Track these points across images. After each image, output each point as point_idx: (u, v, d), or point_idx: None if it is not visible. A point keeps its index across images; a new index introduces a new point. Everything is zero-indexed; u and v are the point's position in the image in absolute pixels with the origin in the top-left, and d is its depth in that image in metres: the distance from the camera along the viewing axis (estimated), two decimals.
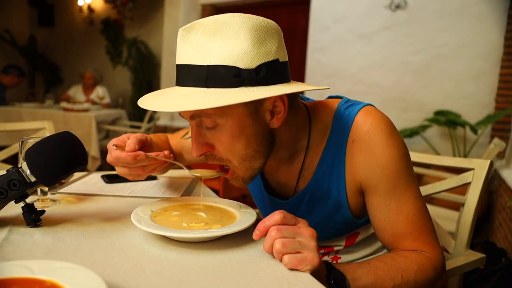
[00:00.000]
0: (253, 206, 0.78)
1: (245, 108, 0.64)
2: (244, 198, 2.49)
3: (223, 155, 0.69)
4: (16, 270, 0.46)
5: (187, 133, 1.00)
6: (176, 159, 0.97)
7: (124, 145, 0.74)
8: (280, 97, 0.66)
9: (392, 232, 0.72)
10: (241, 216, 0.72)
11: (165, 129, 4.49)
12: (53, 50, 6.39)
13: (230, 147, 0.67)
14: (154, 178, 1.09)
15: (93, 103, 4.35)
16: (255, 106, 0.65)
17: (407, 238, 0.72)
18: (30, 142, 0.75)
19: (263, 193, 0.88)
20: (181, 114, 0.68)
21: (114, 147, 0.73)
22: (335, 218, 0.80)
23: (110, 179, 1.03)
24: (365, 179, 0.72)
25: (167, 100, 0.64)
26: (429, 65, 3.05)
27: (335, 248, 0.87)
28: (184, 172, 1.21)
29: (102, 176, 1.06)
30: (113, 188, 0.96)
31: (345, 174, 0.74)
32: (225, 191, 1.84)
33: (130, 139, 0.74)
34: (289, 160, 0.79)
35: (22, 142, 0.79)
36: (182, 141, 1.00)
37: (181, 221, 0.69)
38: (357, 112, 0.73)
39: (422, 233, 0.72)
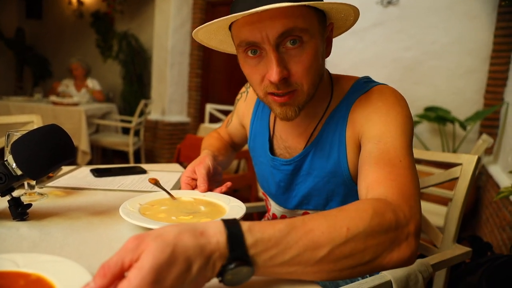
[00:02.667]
0: (243, 201, 0.78)
1: (319, 28, 0.69)
2: (234, 193, 2.50)
3: (297, 79, 0.69)
4: (0, 263, 0.45)
5: (228, 121, 1.12)
6: (233, 148, 1.13)
7: (194, 182, 0.85)
8: (331, 25, 0.74)
9: (368, 170, 0.64)
10: (231, 210, 0.71)
11: (156, 124, 4.45)
12: (42, 43, 6.29)
13: (308, 69, 0.69)
14: (143, 171, 1.08)
15: (88, 90, 4.30)
16: (323, 28, 0.71)
17: (380, 182, 0.61)
18: (16, 135, 0.74)
19: (268, 156, 0.90)
20: (263, 34, 0.65)
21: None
22: (334, 181, 0.81)
23: (99, 173, 1.02)
24: (361, 126, 0.74)
25: (263, 6, 0.60)
26: (420, 62, 3.07)
27: None
28: (174, 166, 1.21)
29: (91, 170, 1.05)
30: (102, 182, 0.96)
31: (346, 132, 0.77)
32: None
33: (200, 179, 0.82)
34: (307, 120, 0.83)
35: (8, 135, 0.78)
36: (227, 129, 1.12)
37: (170, 214, 0.69)
38: (375, 85, 0.78)
39: (400, 182, 0.60)
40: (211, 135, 1.13)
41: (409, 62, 3.12)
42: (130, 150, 3.87)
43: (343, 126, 0.78)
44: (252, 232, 0.44)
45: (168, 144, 4.44)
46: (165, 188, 0.84)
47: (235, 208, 0.72)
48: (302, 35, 0.66)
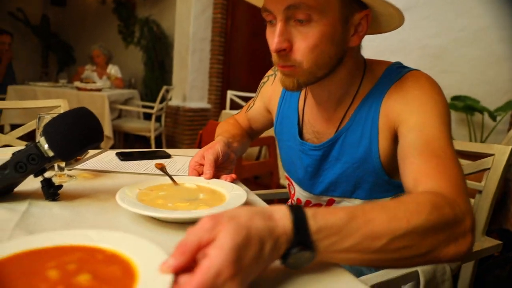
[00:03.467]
0: (264, 188, 0.78)
1: (340, 11, 0.69)
2: (255, 180, 2.50)
3: (298, 56, 0.70)
4: (76, 238, 0.47)
5: (249, 106, 1.10)
6: (249, 136, 1.12)
7: (201, 168, 0.83)
8: (366, 16, 0.71)
9: (414, 163, 0.64)
10: (231, 198, 0.69)
11: (177, 110, 4.49)
12: (66, 29, 6.40)
13: (311, 47, 0.69)
14: (168, 156, 1.09)
15: (109, 77, 4.37)
16: (347, 13, 0.70)
17: (430, 175, 0.60)
18: (47, 118, 0.75)
19: (298, 139, 0.89)
20: (275, 4, 0.68)
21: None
22: (364, 168, 0.80)
23: (125, 156, 1.03)
24: (398, 115, 0.73)
25: None
26: (448, 49, 2.97)
27: None
28: (197, 151, 1.21)
29: (117, 154, 1.06)
30: (127, 165, 0.97)
31: (379, 119, 0.76)
32: (237, 172, 1.84)
33: (206, 166, 0.80)
34: (336, 105, 0.82)
35: (40, 118, 0.80)
36: (247, 114, 1.10)
37: (167, 201, 0.67)
38: (409, 71, 0.77)
39: (449, 175, 0.60)
40: (228, 121, 1.12)
41: (436, 49, 3.02)
42: (152, 135, 3.92)
43: (376, 113, 0.77)
44: (316, 218, 0.45)
45: (189, 130, 4.48)
46: (173, 173, 0.84)
47: (236, 196, 0.70)
48: (311, 13, 0.66)
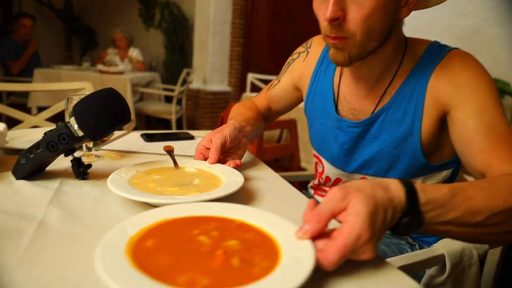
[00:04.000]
0: (285, 170, 0.77)
1: None
2: (276, 162, 2.51)
3: (352, 27, 0.69)
4: (204, 210, 0.53)
5: (272, 84, 1.07)
6: (265, 119, 1.09)
7: (207, 152, 0.79)
8: None
9: (484, 149, 0.66)
10: (225, 185, 0.66)
11: (198, 92, 4.51)
12: (88, 13, 6.46)
13: (366, 17, 0.68)
14: (191, 137, 1.10)
15: (130, 60, 4.42)
16: None
17: (504, 158, 0.63)
18: (76, 99, 0.77)
19: (333, 116, 0.88)
20: None
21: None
22: (402, 147, 0.80)
23: (150, 137, 1.05)
24: (450, 98, 0.72)
25: None
26: (478, 30, 2.84)
27: None
28: None
29: (142, 135, 1.08)
30: (152, 146, 0.98)
31: (425, 98, 0.76)
32: (258, 154, 1.85)
33: (212, 150, 0.78)
34: (374, 82, 0.81)
35: (68, 99, 0.82)
36: (269, 93, 1.07)
37: (159, 185, 0.65)
38: (451, 50, 0.77)
39: None
40: (244, 103, 1.09)
41: (465, 30, 2.90)
42: (173, 118, 3.96)
43: (421, 93, 0.76)
44: (425, 192, 0.50)
45: (209, 113, 4.50)
46: (180, 155, 0.84)
47: (230, 183, 0.66)
48: None
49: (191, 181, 0.69)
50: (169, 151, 0.80)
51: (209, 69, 4.43)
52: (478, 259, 0.80)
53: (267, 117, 1.10)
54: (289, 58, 1.04)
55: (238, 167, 0.76)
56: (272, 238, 0.47)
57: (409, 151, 0.79)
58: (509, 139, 0.66)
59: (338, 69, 0.90)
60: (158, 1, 5.33)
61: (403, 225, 0.48)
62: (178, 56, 5.10)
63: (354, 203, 0.44)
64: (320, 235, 0.44)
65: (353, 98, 0.85)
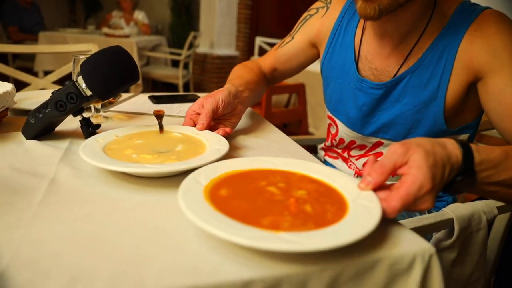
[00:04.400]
0: (292, 135, 0.76)
1: None
2: (284, 127, 2.49)
3: None
4: (267, 164, 0.56)
5: (284, 41, 1.01)
6: (268, 82, 1.03)
7: (197, 118, 0.75)
8: None
9: None
10: (206, 153, 0.62)
11: (205, 57, 4.43)
12: None
13: None
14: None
15: (136, 23, 4.33)
16: None
17: None
18: (82, 59, 0.75)
19: (354, 76, 0.86)
20: None
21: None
22: (424, 112, 0.78)
23: (157, 99, 1.04)
24: (486, 64, 0.70)
25: None
26: None
27: None
28: None
29: (150, 97, 1.07)
30: (160, 108, 0.97)
31: (455, 61, 0.73)
32: (267, 118, 1.83)
33: (202, 115, 0.72)
34: (399, 40, 0.78)
35: (75, 59, 0.80)
36: (279, 52, 1.01)
37: (136, 151, 0.61)
38: (484, 9, 0.73)
39: None
40: (246, 65, 1.02)
41: None
42: (180, 82, 3.92)
43: (451, 56, 0.73)
44: (479, 152, 0.51)
45: (216, 77, 4.45)
46: (172, 118, 0.80)
47: (213, 152, 0.62)
48: None
49: (173, 147, 0.64)
50: (158, 116, 0.72)
51: (216, 32, 4.33)
52: (487, 223, 0.80)
53: (271, 80, 1.05)
54: (305, 14, 0.99)
55: (227, 135, 0.71)
56: (335, 189, 0.50)
57: (431, 117, 0.77)
58: None
59: (360, 27, 0.86)
60: None
61: (457, 183, 0.50)
62: (184, 19, 4.98)
63: (416, 157, 0.46)
64: (381, 187, 0.47)
65: (375, 58, 0.82)
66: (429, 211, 0.88)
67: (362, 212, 0.43)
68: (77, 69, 0.77)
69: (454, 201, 0.94)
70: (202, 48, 4.45)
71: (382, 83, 0.81)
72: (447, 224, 0.76)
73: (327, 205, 0.46)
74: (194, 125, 0.74)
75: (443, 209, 0.78)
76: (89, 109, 0.86)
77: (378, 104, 0.83)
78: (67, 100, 0.64)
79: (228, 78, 0.94)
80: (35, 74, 3.53)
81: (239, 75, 0.92)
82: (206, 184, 0.48)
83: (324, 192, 0.50)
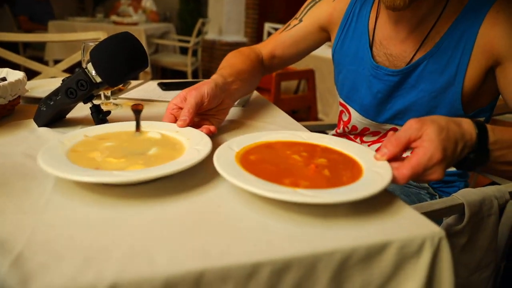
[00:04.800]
0: (303, 121, 0.75)
1: None
2: (293, 114, 2.48)
3: None
4: (293, 136, 0.62)
5: (289, 25, 0.96)
6: (265, 70, 0.98)
7: (178, 112, 0.67)
8: None
9: None
10: (184, 157, 0.54)
11: (214, 43, 4.41)
12: None
13: None
14: None
15: (144, 11, 4.32)
16: None
17: None
18: (92, 46, 0.76)
19: (368, 62, 0.84)
20: None
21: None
22: (441, 98, 0.77)
23: (167, 86, 1.04)
24: (507, 49, 0.68)
25: None
26: None
27: None
28: None
29: (159, 84, 1.07)
30: (170, 95, 0.98)
31: (474, 46, 0.72)
32: (276, 104, 1.81)
33: (184, 110, 0.65)
34: (416, 24, 0.76)
35: (84, 46, 0.81)
36: (283, 35, 0.96)
37: (102, 154, 0.54)
38: None
39: None
40: (241, 51, 0.94)
41: None
42: (189, 70, 3.92)
43: (470, 41, 0.71)
44: (494, 132, 0.54)
45: None
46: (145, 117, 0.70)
47: (191, 153, 0.55)
48: None
49: (146, 150, 0.57)
50: (136, 111, 0.62)
51: (225, 18, 4.30)
52: (498, 209, 0.79)
53: (270, 67, 0.99)
54: None
55: (212, 134, 0.64)
56: (353, 159, 0.55)
57: (448, 102, 0.76)
58: None
59: (374, 11, 0.84)
60: None
61: (470, 160, 0.53)
62: (192, 5, 4.94)
63: (429, 131, 0.49)
64: (396, 159, 0.51)
65: (390, 43, 0.80)
66: (440, 197, 0.88)
67: (374, 177, 0.48)
68: (87, 56, 0.77)
69: (466, 186, 0.93)
70: (211, 35, 4.43)
71: (398, 70, 0.79)
72: (458, 209, 0.76)
73: (344, 171, 0.51)
74: (175, 121, 0.66)
75: (453, 194, 0.77)
76: (99, 96, 0.86)
77: (393, 91, 0.82)
78: (77, 87, 0.64)
79: (219, 66, 0.87)
80: (45, 63, 3.56)
81: (231, 63, 0.85)
82: (237, 151, 0.55)
83: (342, 160, 0.55)
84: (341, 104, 0.97)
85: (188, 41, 4.00)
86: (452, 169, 0.87)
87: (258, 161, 0.53)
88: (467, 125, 0.53)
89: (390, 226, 0.43)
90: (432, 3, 0.74)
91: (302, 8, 0.97)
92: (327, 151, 0.58)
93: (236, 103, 0.92)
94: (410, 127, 0.50)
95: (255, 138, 0.60)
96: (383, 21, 0.82)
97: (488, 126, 0.54)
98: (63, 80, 0.66)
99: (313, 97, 2.15)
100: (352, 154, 0.56)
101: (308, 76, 2.13)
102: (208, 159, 0.52)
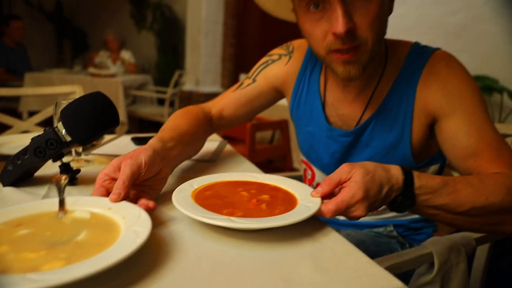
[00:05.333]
0: (277, 171, 0.77)
1: None
2: (269, 164, 2.51)
3: (363, 32, 0.67)
4: (249, 177, 0.70)
5: (242, 83, 0.97)
6: (213, 130, 0.96)
7: (112, 185, 0.58)
8: None
9: (474, 158, 0.70)
10: (119, 242, 0.45)
11: (190, 95, 4.50)
12: (79, 15, 6.42)
13: (374, 20, 0.67)
14: None
15: (123, 62, 4.40)
16: None
17: (492, 162, 0.68)
18: (64, 104, 0.76)
19: (323, 124, 0.87)
20: None
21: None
22: (393, 153, 0.80)
23: (140, 141, 1.05)
24: (440, 108, 0.73)
25: None
26: (467, 26, 2.87)
27: None
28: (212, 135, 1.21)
29: (132, 139, 1.08)
30: None
31: (414, 105, 0.76)
32: (251, 155, 1.85)
33: (118, 183, 0.57)
34: (361, 87, 0.81)
35: (57, 104, 0.81)
36: (237, 93, 0.96)
37: (15, 247, 0.44)
38: (433, 51, 0.77)
39: (508, 159, 0.68)
40: (188, 110, 0.88)
41: (454, 27, 2.92)
42: (165, 120, 3.94)
43: (410, 100, 0.76)
44: (420, 178, 0.60)
45: None
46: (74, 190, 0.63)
47: (129, 236, 0.46)
48: None
49: (73, 235, 0.47)
50: (59, 184, 0.52)
51: (202, 70, 4.43)
52: (466, 256, 0.81)
53: (219, 125, 0.96)
54: (267, 58, 0.99)
55: (150, 211, 0.55)
56: (294, 196, 0.63)
57: (400, 157, 0.80)
58: (498, 145, 0.69)
59: (323, 74, 0.89)
60: (150, 3, 5.31)
61: (398, 202, 0.59)
62: (170, 57, 5.09)
63: (356, 174, 0.56)
64: (329, 196, 0.58)
65: (340, 104, 0.85)
66: (411, 246, 0.89)
67: (303, 209, 0.56)
68: (59, 113, 0.78)
69: (435, 231, 0.95)
70: (188, 85, 4.53)
71: (350, 131, 0.83)
72: (427, 258, 0.77)
73: (280, 206, 0.59)
74: (107, 194, 0.57)
75: (423, 243, 0.79)
76: (70, 152, 0.86)
77: (349, 150, 0.85)
78: (46, 146, 0.64)
79: (163, 125, 0.81)
80: (20, 115, 3.52)
81: (175, 125, 0.80)
82: (196, 187, 0.64)
83: (283, 197, 0.63)
84: (303, 162, 1.00)
85: (165, 92, 4.07)
86: (418, 216, 0.89)
87: (210, 196, 0.62)
88: (395, 171, 0.59)
89: (353, 281, 0.43)
90: (374, 67, 0.79)
91: (254, 68, 0.99)
92: (274, 189, 0.66)
93: (207, 157, 0.94)
94: (342, 170, 0.58)
95: (216, 178, 0.69)
96: (333, 84, 0.86)
97: (415, 173, 0.60)
98: (32, 139, 0.66)
99: (287, 147, 2.19)
100: (295, 192, 0.64)
101: (282, 126, 2.19)
102: (148, 244, 0.45)
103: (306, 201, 0.58)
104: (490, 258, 0.96)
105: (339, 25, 0.63)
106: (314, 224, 0.57)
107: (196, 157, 0.94)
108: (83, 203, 0.55)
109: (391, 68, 0.79)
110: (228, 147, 1.07)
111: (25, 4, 5.83)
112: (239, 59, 4.56)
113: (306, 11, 0.69)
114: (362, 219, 0.89)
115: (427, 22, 3.01)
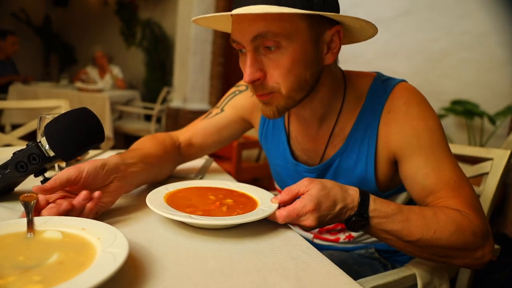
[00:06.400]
0: (266, 188, 0.77)
1: (309, 33, 0.67)
2: (255, 182, 2.50)
3: (274, 82, 0.68)
4: (221, 184, 0.78)
5: (210, 113, 0.97)
6: (180, 158, 0.94)
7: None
8: (338, 32, 0.70)
9: (432, 196, 0.71)
10: (95, 264, 0.43)
11: (178, 112, 4.49)
12: (68, 30, 6.41)
13: (286, 72, 0.67)
14: None
15: (111, 77, 4.38)
16: (317, 34, 0.68)
17: (450, 200, 0.69)
18: (49, 118, 0.76)
19: (288, 159, 0.88)
20: (242, 35, 0.67)
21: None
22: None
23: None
24: (400, 149, 0.74)
25: (241, 10, 0.65)
26: (448, 53, 2.97)
27: None
28: None
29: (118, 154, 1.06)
30: None
31: (377, 145, 0.76)
32: (237, 173, 1.85)
33: (51, 180, 0.59)
34: (320, 122, 0.81)
35: (41, 118, 0.81)
36: (205, 122, 0.95)
37: None
38: (395, 86, 0.76)
39: (465, 198, 0.69)
40: (156, 136, 0.90)
41: (436, 53, 3.02)
42: None
43: (372, 138, 0.77)
44: (375, 202, 0.64)
45: None
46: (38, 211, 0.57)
47: (107, 259, 0.43)
48: (279, 40, 0.65)
49: (43, 258, 0.44)
50: (25, 204, 0.50)
51: (190, 87, 4.44)
52: (449, 278, 0.81)
53: (188, 154, 0.96)
54: (234, 89, 0.99)
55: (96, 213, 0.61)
56: (255, 201, 0.70)
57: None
58: (457, 186, 0.70)
59: None
60: (139, 20, 5.35)
61: (352, 221, 0.63)
62: (158, 74, 5.10)
63: (313, 188, 0.62)
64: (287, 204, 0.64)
65: (304, 139, 0.85)
66: (393, 267, 0.89)
67: (259, 213, 0.62)
68: (42, 128, 0.77)
69: None
70: (176, 102, 4.53)
71: (314, 167, 0.84)
72: (411, 279, 0.77)
73: (239, 209, 0.66)
74: (46, 201, 0.59)
75: (406, 264, 0.79)
76: (53, 167, 0.84)
77: None
78: (28, 161, 0.63)
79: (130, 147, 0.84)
80: (2, 127, 3.45)
81: (140, 146, 0.82)
82: (171, 190, 0.72)
83: (246, 202, 0.70)
84: (276, 189, 1.01)
85: (152, 108, 4.06)
86: None
87: (180, 197, 0.70)
88: (352, 192, 0.64)
89: None
90: (327, 103, 0.78)
91: (222, 99, 1.00)
92: (240, 195, 0.73)
93: (193, 175, 0.94)
94: (302, 183, 0.64)
95: (192, 184, 0.77)
96: (294, 119, 0.86)
97: (371, 196, 0.64)
98: (14, 153, 0.65)
99: None
100: (258, 199, 0.71)
101: None
102: (127, 266, 0.43)
103: (264, 206, 0.66)
104: (474, 278, 0.97)
105: (245, 75, 0.68)
106: (298, 245, 0.57)
107: (182, 174, 0.94)
108: (55, 223, 0.52)
109: (351, 102, 0.79)
110: (214, 164, 1.07)
111: (13, 18, 5.80)
112: (227, 78, 4.60)
113: (238, 52, 0.73)
114: (343, 244, 0.90)
115: (409, 48, 3.11)
